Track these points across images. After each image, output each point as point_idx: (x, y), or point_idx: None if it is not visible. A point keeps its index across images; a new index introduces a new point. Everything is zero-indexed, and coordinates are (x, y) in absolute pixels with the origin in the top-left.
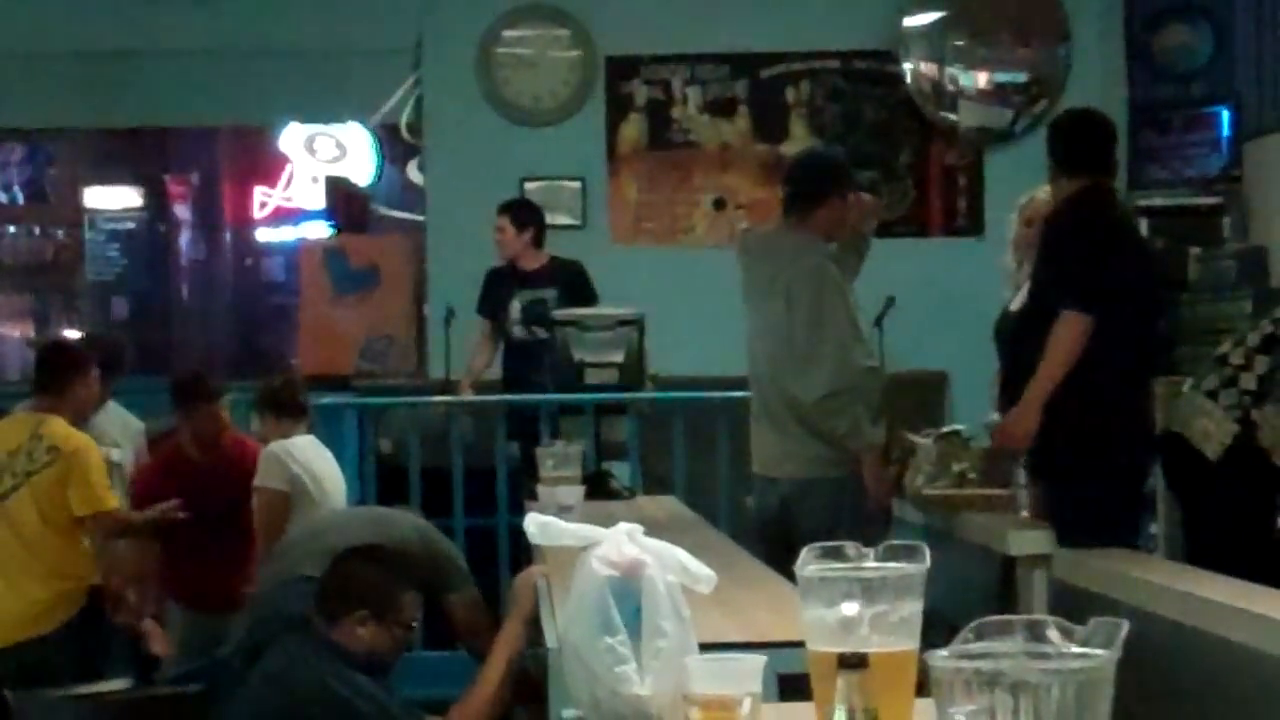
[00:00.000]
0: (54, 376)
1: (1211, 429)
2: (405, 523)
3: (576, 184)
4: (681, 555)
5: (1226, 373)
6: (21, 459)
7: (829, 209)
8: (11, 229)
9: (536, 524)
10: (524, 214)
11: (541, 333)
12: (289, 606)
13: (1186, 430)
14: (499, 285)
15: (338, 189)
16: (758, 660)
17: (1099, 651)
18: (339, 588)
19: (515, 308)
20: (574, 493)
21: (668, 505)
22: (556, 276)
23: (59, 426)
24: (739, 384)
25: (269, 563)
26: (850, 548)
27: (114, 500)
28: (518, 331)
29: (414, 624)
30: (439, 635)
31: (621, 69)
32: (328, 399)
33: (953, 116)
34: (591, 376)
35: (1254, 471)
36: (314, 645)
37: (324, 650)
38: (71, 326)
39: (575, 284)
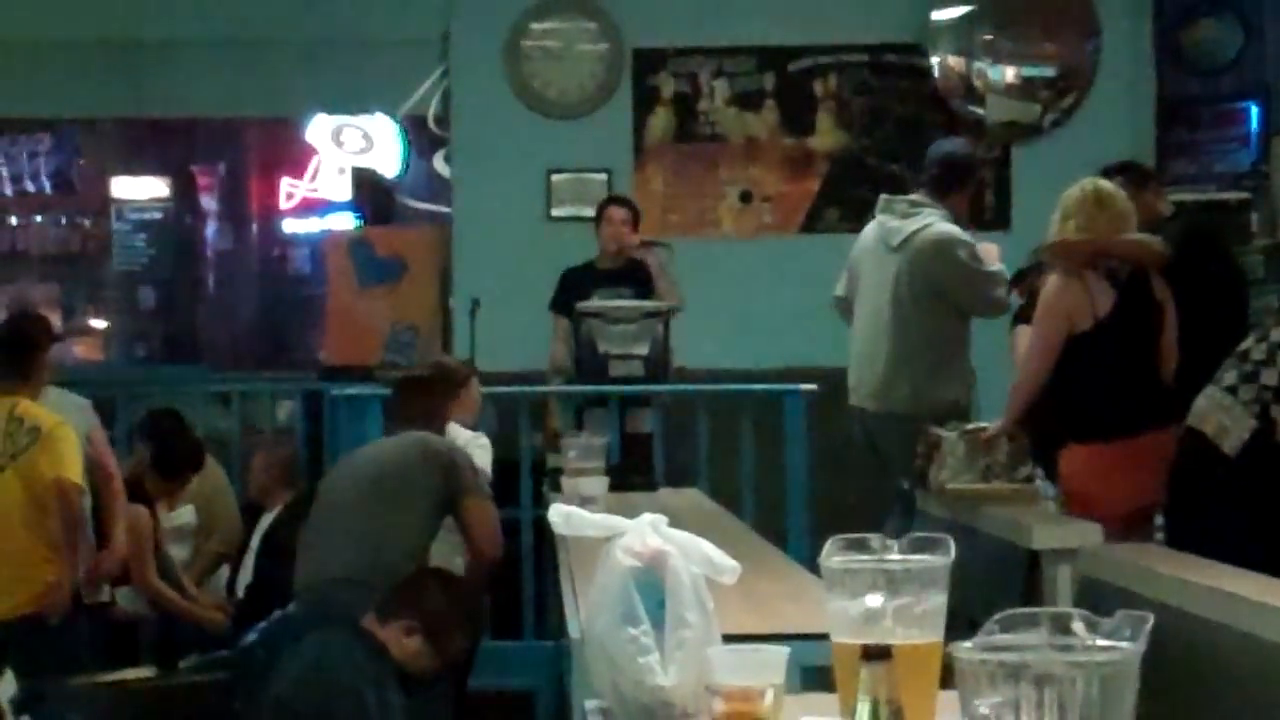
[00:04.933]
0: (22, 355)
1: (1229, 424)
2: (417, 468)
3: (603, 176)
4: (705, 546)
5: (1247, 368)
6: (2, 442)
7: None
8: (39, 218)
9: (560, 514)
10: (635, 208)
11: None
12: (324, 608)
13: (1203, 425)
14: (578, 284)
15: (364, 180)
16: (781, 652)
17: (1124, 645)
18: (406, 596)
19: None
20: (598, 484)
21: (691, 497)
22: (634, 274)
23: (34, 407)
24: (762, 377)
25: (303, 549)
26: (875, 539)
27: (80, 477)
28: None
29: (455, 661)
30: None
31: (649, 62)
32: (353, 390)
33: (980, 110)
34: (616, 369)
35: (1272, 467)
36: (360, 644)
37: (369, 653)
38: (98, 316)
39: (647, 280)
